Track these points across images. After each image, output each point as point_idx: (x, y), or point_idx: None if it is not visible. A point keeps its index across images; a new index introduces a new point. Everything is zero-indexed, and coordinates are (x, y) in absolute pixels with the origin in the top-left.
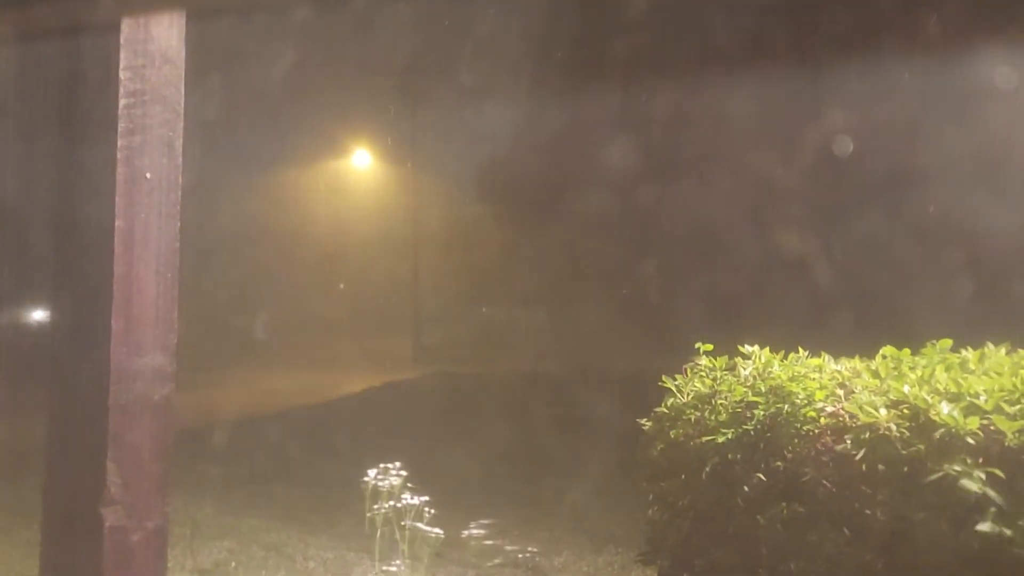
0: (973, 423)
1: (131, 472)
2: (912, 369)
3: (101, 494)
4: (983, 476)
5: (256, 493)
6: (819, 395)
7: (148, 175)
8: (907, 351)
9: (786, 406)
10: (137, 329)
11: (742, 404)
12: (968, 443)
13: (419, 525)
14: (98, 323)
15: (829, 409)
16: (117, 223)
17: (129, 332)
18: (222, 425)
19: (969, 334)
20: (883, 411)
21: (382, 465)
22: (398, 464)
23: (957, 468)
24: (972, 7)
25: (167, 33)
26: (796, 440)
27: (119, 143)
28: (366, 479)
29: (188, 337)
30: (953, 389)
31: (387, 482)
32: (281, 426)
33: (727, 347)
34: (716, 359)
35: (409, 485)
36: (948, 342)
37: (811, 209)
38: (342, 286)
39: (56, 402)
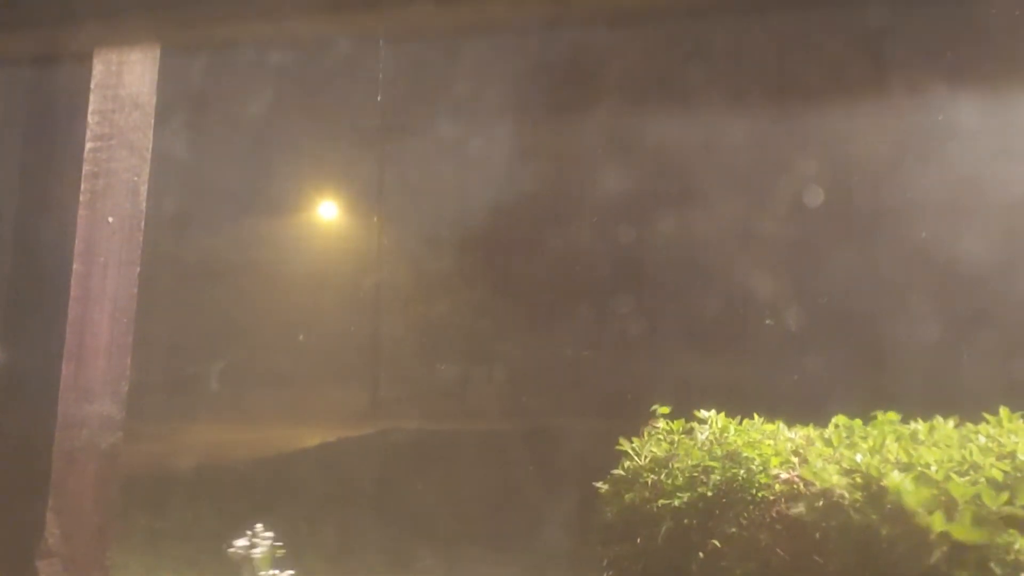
0: (925, 493)
1: (72, 523)
2: (864, 438)
3: (37, 545)
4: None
5: (201, 550)
6: (774, 461)
7: (110, 219)
8: (858, 421)
9: (742, 471)
10: (88, 375)
11: (699, 468)
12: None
13: None
14: (48, 367)
15: (784, 476)
16: (75, 267)
17: (79, 377)
18: (171, 477)
19: (922, 405)
20: (837, 479)
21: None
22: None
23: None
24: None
25: (139, 79)
26: (751, 506)
27: (82, 186)
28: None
29: (140, 385)
30: (904, 459)
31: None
32: (231, 481)
33: (687, 410)
34: (673, 422)
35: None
36: (895, 415)
37: (775, 268)
38: (301, 337)
39: None
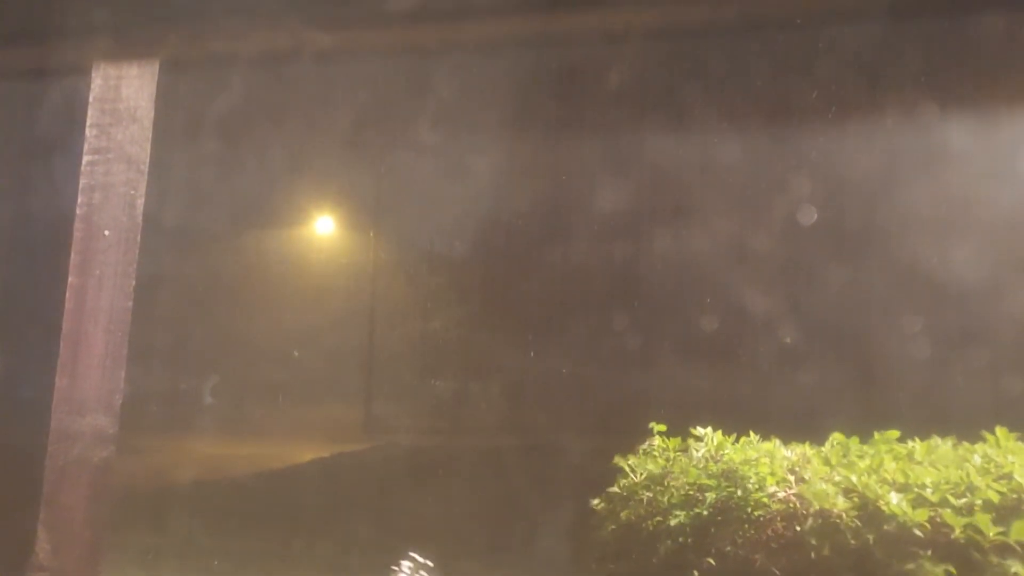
0: (922, 515)
1: (62, 537)
2: (860, 458)
3: (28, 559)
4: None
5: (190, 566)
6: (770, 480)
7: (106, 233)
8: (855, 439)
9: (738, 490)
10: (81, 388)
11: (694, 486)
12: (916, 535)
13: None
14: (42, 380)
15: (780, 495)
16: (70, 279)
17: (73, 391)
18: (163, 492)
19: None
20: (835, 500)
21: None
22: None
23: (911, 566)
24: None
25: (137, 93)
26: (747, 525)
27: (79, 199)
28: None
29: (133, 398)
30: (901, 480)
31: None
32: (223, 495)
33: (682, 427)
34: (669, 440)
35: None
36: (895, 433)
37: (773, 289)
38: (296, 353)
39: None
